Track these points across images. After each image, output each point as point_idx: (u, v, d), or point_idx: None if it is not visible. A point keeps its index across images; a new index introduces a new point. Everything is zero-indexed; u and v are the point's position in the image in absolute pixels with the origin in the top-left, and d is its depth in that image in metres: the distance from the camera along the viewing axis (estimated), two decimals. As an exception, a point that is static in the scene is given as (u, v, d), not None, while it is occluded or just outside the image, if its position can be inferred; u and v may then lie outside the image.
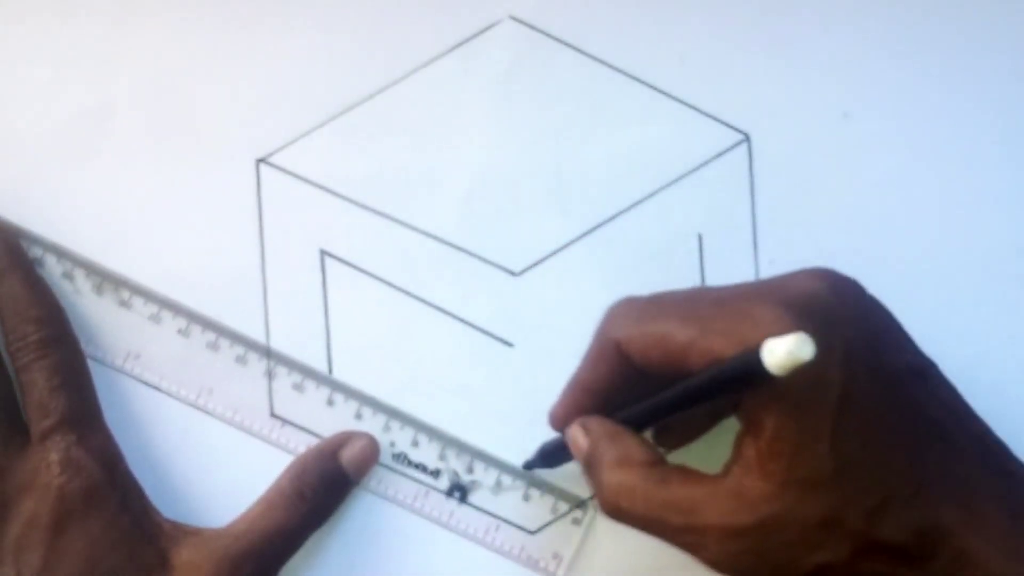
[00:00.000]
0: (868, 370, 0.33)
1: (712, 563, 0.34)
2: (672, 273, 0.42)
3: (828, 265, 0.41)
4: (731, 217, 0.42)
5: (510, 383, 0.42)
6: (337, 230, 0.42)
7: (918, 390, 0.34)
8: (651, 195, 0.42)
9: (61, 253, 0.41)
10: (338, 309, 0.42)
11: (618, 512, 0.35)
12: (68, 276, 0.41)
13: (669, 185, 0.42)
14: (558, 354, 0.42)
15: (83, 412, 0.39)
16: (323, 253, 0.42)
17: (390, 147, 0.42)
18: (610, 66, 0.42)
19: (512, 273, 0.42)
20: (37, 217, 0.42)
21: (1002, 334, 0.42)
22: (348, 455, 0.40)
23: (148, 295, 0.41)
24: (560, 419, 0.38)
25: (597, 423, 0.36)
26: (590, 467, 0.36)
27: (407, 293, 0.42)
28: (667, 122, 0.43)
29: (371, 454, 0.41)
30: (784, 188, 0.43)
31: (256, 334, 0.42)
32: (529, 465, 0.41)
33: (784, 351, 0.30)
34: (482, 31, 0.43)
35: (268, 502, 0.40)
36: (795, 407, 0.32)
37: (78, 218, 0.42)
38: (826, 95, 0.43)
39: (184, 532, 0.39)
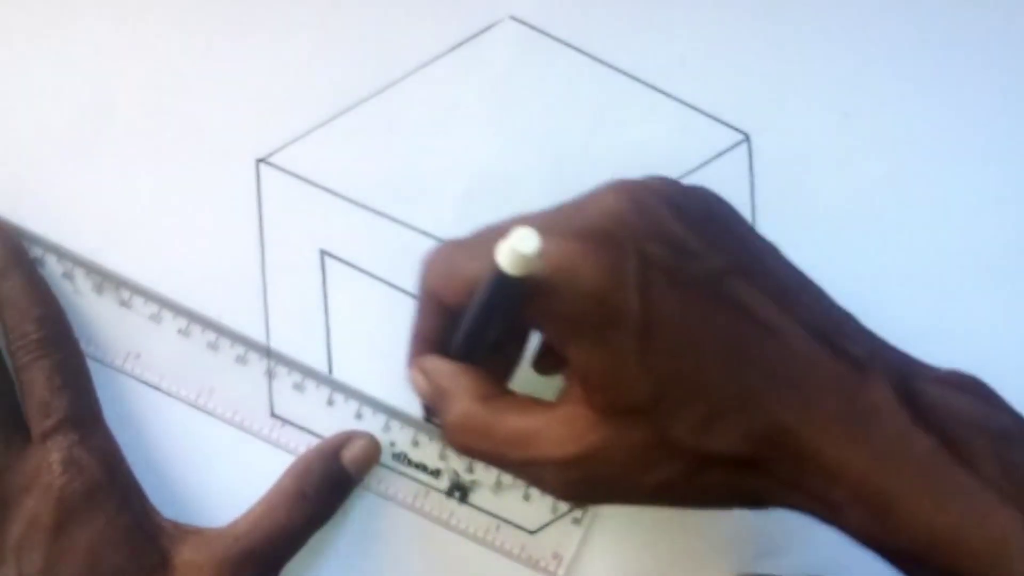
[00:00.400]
0: (673, 284, 0.32)
1: (554, 494, 0.34)
2: None
3: (828, 265, 0.41)
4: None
5: (510, 384, 0.42)
6: (337, 230, 0.42)
7: (740, 290, 0.32)
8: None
9: (61, 253, 0.41)
10: (338, 309, 0.42)
11: (465, 449, 0.35)
12: (68, 276, 0.41)
13: (669, 185, 0.43)
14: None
15: (84, 412, 0.39)
16: (323, 253, 0.42)
17: (390, 147, 0.42)
18: (610, 66, 0.42)
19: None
20: (37, 217, 0.42)
21: (1002, 333, 0.42)
22: (349, 455, 0.40)
23: (148, 295, 0.41)
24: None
25: (432, 362, 0.36)
26: (435, 407, 0.36)
27: (407, 293, 0.42)
28: (667, 122, 0.43)
29: (372, 453, 0.41)
30: (784, 188, 0.43)
31: (256, 334, 0.42)
32: (427, 417, 0.41)
33: (508, 248, 0.29)
34: (482, 31, 0.43)
35: (270, 502, 0.39)
36: (594, 339, 0.31)
37: (78, 218, 0.42)
38: (826, 95, 0.43)
39: (185, 532, 0.39)
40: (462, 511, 0.42)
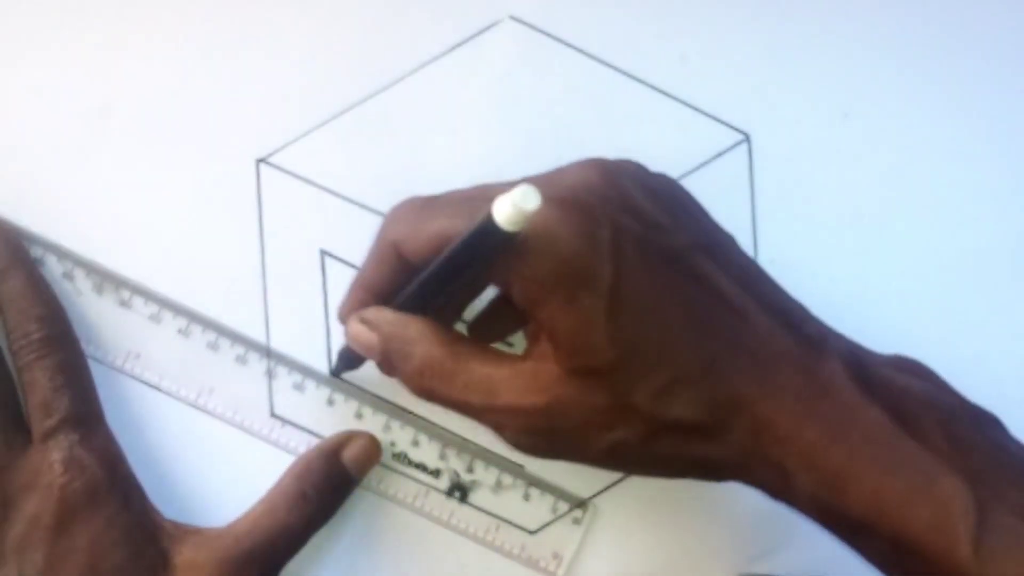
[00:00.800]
0: (643, 254, 0.33)
1: (513, 444, 0.35)
2: None
3: (827, 264, 0.41)
4: (731, 217, 0.42)
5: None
6: (337, 230, 0.42)
7: (705, 266, 0.34)
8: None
9: (61, 253, 0.41)
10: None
11: (428, 393, 0.35)
12: (68, 276, 0.41)
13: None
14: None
15: (85, 412, 0.39)
16: (323, 253, 0.42)
17: (390, 147, 0.42)
18: (610, 66, 0.42)
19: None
20: (37, 217, 0.42)
21: (1001, 332, 0.42)
22: (350, 454, 0.40)
23: (148, 295, 0.41)
24: (345, 318, 0.38)
25: (377, 313, 0.36)
26: (388, 356, 0.36)
27: None
28: (667, 122, 0.43)
29: (373, 453, 0.41)
30: (784, 188, 0.43)
31: (256, 334, 0.42)
32: (335, 371, 0.41)
33: (509, 203, 0.30)
34: (482, 31, 0.43)
35: (271, 502, 0.39)
36: (566, 300, 0.32)
37: (78, 218, 0.42)
38: (826, 95, 0.43)
39: (185, 532, 0.39)
40: (462, 511, 0.42)
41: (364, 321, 0.36)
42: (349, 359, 0.40)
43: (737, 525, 0.42)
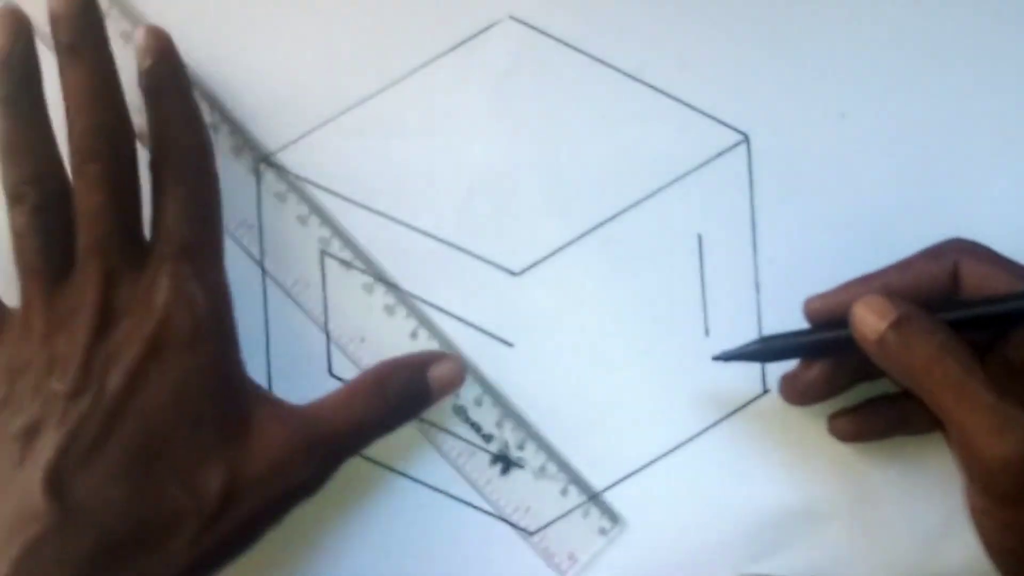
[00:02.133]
0: None
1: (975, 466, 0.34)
2: (672, 273, 0.42)
3: (827, 264, 0.41)
4: (731, 217, 0.42)
5: (510, 383, 0.42)
6: (337, 230, 0.42)
7: None
8: (651, 195, 0.43)
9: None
10: (338, 309, 0.42)
11: (905, 352, 0.35)
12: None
13: (669, 185, 0.43)
14: (558, 354, 0.42)
15: (207, 247, 0.38)
16: (323, 253, 0.42)
17: (390, 147, 0.42)
18: (610, 66, 0.42)
19: (512, 273, 0.42)
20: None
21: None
22: (436, 373, 0.40)
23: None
24: (840, 305, 0.37)
25: (895, 302, 0.36)
26: (900, 324, 0.35)
27: (407, 293, 0.42)
28: (666, 122, 0.43)
29: (457, 377, 0.41)
30: (784, 188, 0.43)
31: (256, 334, 0.42)
32: (730, 356, 0.40)
33: None
34: (482, 31, 0.43)
35: (349, 395, 0.39)
36: None
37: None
38: (825, 95, 0.43)
39: (268, 400, 0.38)
40: (498, 483, 0.42)
41: (891, 300, 0.36)
42: (773, 351, 0.40)
43: (737, 525, 0.42)
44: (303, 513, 0.41)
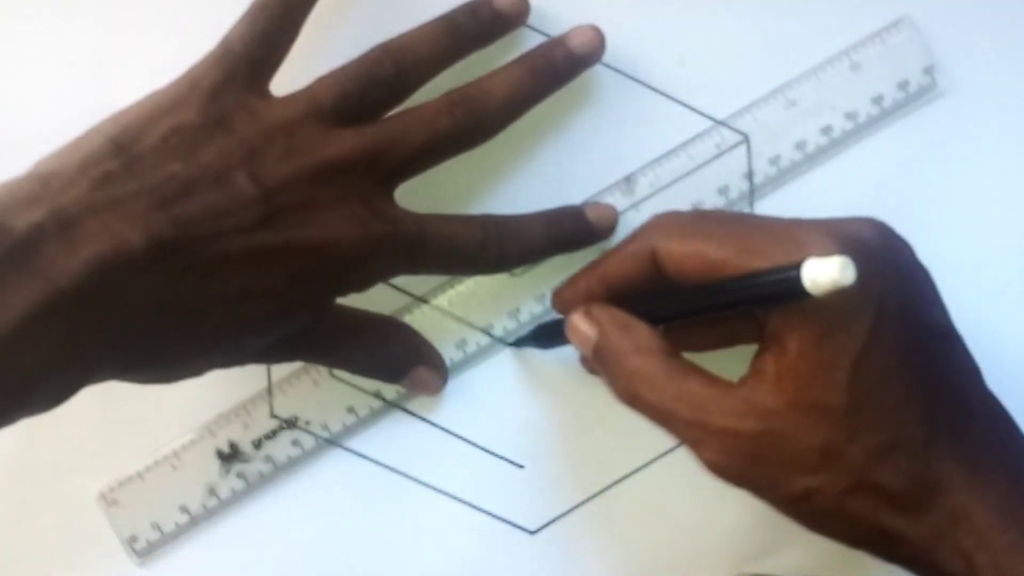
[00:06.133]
0: (899, 319, 0.33)
1: (709, 464, 0.34)
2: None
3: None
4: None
5: (510, 381, 0.42)
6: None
7: (941, 350, 0.35)
8: (650, 195, 0.43)
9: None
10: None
11: (634, 400, 0.35)
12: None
13: (668, 186, 0.43)
14: (558, 354, 0.42)
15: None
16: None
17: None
18: (610, 66, 0.42)
19: (512, 273, 0.43)
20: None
21: (1005, 334, 0.42)
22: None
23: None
24: (568, 303, 0.38)
25: (604, 312, 0.36)
26: (602, 355, 0.36)
27: (407, 293, 0.42)
28: (667, 122, 0.43)
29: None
30: (783, 188, 0.43)
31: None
32: (519, 342, 0.42)
33: (826, 272, 0.30)
34: (482, 31, 0.43)
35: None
36: (822, 334, 0.33)
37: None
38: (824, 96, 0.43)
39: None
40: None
41: (589, 316, 0.36)
42: (544, 338, 0.41)
43: (737, 525, 0.42)
44: (303, 513, 0.41)
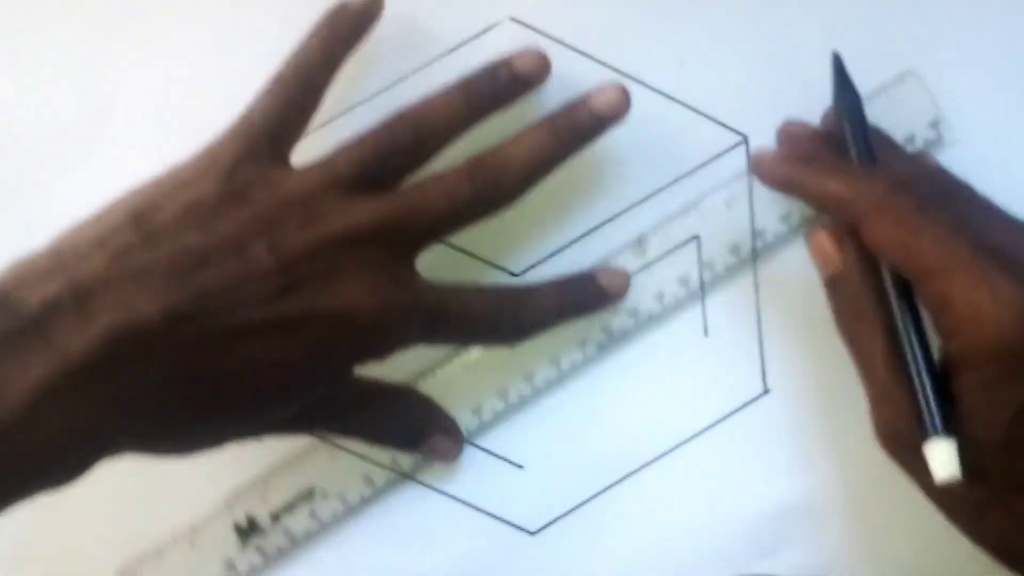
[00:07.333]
0: None
1: (875, 424, 0.37)
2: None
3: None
4: (730, 217, 0.42)
5: (510, 380, 0.42)
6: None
7: None
8: (650, 196, 0.43)
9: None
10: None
11: (847, 339, 0.38)
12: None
13: (668, 186, 0.43)
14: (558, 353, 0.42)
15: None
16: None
17: (391, 148, 0.42)
18: (610, 67, 0.42)
19: (512, 273, 0.43)
20: (37, 217, 0.41)
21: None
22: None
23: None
24: (767, 177, 0.39)
25: (855, 247, 0.37)
26: (836, 286, 0.38)
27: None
28: (666, 123, 0.43)
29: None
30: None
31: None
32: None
33: (933, 460, 0.34)
34: (482, 32, 0.43)
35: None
36: (993, 379, 0.34)
37: (78, 218, 0.42)
38: (823, 96, 0.43)
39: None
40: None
41: (841, 243, 0.38)
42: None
43: (737, 525, 0.42)
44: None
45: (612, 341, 0.42)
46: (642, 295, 0.42)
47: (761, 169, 0.39)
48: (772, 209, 0.42)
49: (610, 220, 0.43)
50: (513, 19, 0.43)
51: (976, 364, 0.34)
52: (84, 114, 0.42)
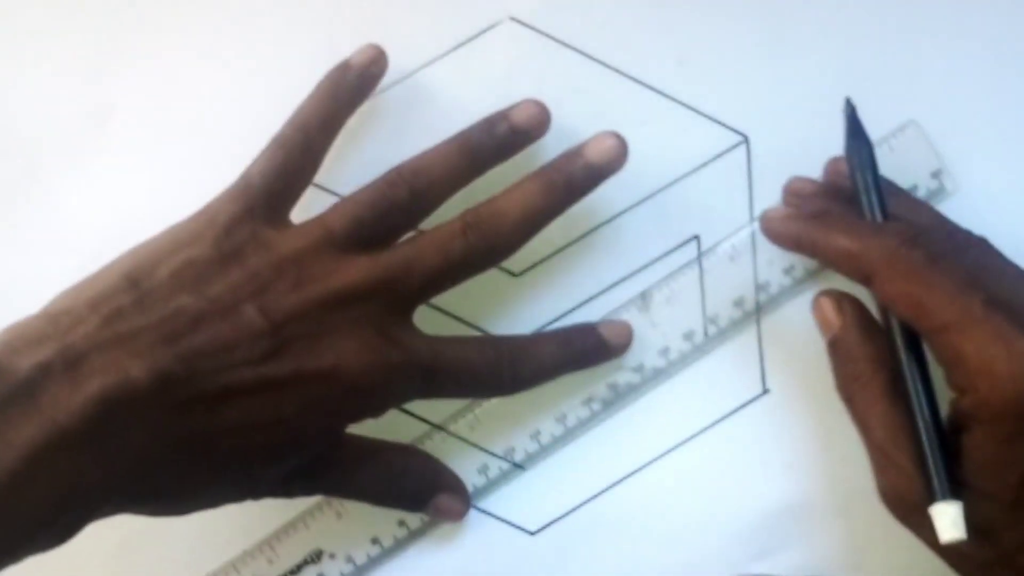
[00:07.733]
0: None
1: (881, 492, 0.37)
2: (671, 273, 0.42)
3: (825, 267, 0.41)
4: (730, 219, 0.42)
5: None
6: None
7: None
8: (650, 196, 0.43)
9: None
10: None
11: (847, 401, 0.38)
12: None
13: (668, 186, 0.43)
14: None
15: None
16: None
17: (391, 148, 0.42)
18: (610, 67, 0.42)
19: (512, 273, 0.43)
20: (37, 218, 0.41)
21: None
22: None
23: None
24: (778, 237, 0.39)
25: (855, 308, 0.38)
26: (835, 347, 0.38)
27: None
28: (666, 123, 0.43)
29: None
30: (782, 189, 0.43)
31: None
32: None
33: (938, 521, 0.34)
34: (482, 32, 0.43)
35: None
36: (1004, 438, 0.34)
37: (77, 219, 0.42)
38: (823, 96, 0.43)
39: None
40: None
41: (839, 305, 0.39)
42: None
43: (737, 525, 0.42)
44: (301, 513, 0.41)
45: (618, 397, 0.42)
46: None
47: (770, 229, 0.39)
48: (775, 262, 0.42)
49: (609, 221, 0.43)
50: (513, 19, 0.43)
51: (989, 420, 0.34)
52: (84, 114, 0.42)
